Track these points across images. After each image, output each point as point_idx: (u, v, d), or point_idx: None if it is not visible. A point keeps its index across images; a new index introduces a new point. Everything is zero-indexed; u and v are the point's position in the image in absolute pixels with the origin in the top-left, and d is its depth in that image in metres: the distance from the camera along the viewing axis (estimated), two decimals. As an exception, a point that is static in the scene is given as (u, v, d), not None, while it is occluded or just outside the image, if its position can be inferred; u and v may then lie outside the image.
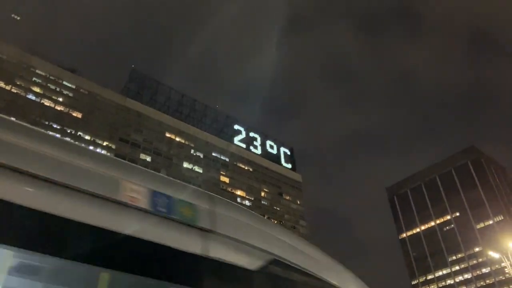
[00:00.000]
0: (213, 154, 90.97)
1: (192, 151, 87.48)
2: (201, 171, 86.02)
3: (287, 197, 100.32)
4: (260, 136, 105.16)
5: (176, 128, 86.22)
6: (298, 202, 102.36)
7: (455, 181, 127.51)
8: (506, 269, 20.48)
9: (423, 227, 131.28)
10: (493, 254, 26.16)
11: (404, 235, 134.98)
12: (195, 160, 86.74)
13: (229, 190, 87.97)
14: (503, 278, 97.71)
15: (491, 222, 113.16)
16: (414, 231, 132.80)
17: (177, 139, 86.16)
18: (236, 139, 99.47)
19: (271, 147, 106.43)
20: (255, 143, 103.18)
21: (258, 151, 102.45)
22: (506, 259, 22.18)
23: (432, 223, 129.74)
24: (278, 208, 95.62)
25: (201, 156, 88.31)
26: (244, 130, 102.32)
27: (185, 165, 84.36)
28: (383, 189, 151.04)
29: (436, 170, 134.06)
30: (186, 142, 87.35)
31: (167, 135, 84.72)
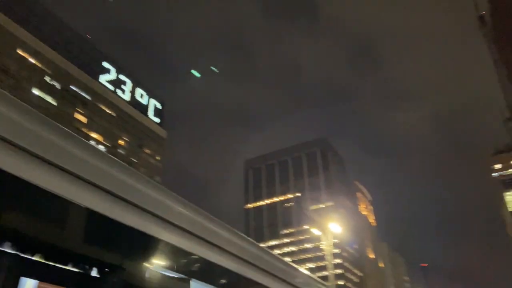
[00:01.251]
0: (73, 87, 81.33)
1: (47, 78, 76.52)
2: (55, 103, 76.20)
3: (147, 151, 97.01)
4: (131, 81, 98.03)
5: (32, 47, 73.78)
6: (158, 158, 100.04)
7: (303, 166, 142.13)
8: (321, 246, 24.04)
9: (267, 201, 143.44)
10: (316, 232, 29.12)
11: (250, 206, 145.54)
12: (49, 89, 76.20)
13: (84, 130, 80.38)
14: (320, 254, 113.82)
15: (322, 206, 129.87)
16: (259, 204, 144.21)
17: (31, 60, 74.01)
18: (104, 78, 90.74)
19: (141, 96, 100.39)
20: (124, 87, 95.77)
21: (126, 97, 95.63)
22: (323, 238, 24.89)
23: (276, 199, 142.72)
24: (135, 160, 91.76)
25: (58, 86, 78.04)
26: (115, 70, 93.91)
27: (36, 92, 73.48)
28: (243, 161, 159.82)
29: (290, 153, 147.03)
30: (42, 67, 75.80)
31: (19, 52, 72.03)
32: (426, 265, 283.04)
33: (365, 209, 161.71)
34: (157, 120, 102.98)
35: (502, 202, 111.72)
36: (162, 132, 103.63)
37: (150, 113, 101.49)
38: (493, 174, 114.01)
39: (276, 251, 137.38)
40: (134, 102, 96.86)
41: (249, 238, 5.55)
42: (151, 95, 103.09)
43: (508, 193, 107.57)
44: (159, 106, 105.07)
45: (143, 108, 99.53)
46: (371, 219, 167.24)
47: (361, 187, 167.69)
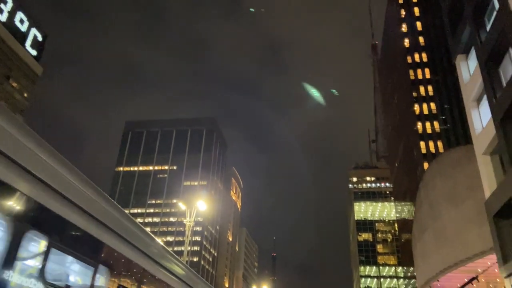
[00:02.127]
0: None
1: None
2: None
3: (14, 84, 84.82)
4: (13, 1, 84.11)
5: None
6: (25, 95, 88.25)
7: (187, 141, 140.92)
8: (184, 221, 24.54)
9: (141, 168, 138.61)
10: (182, 206, 29.03)
11: (121, 168, 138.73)
12: None
13: None
14: (182, 229, 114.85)
15: (196, 183, 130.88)
16: (132, 169, 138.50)
17: None
18: (-22, -12, 76.25)
19: (22, 21, 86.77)
20: (2, 6, 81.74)
21: (3, 17, 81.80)
22: (187, 213, 25.07)
23: (151, 167, 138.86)
24: (-4, 91, 79.53)
25: None
26: (-5, -17, 79.56)
27: None
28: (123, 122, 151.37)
29: (176, 125, 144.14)
30: None
31: None
32: (275, 254, 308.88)
33: (235, 195, 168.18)
34: (34, 52, 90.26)
35: (352, 211, 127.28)
36: (37, 68, 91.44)
37: (28, 43, 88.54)
38: (349, 186, 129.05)
39: (139, 220, 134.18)
40: (11, 26, 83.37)
41: (111, 200, 5.14)
42: (33, 23, 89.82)
43: (356, 203, 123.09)
44: (39, 37, 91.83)
45: (21, 36, 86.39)
46: (238, 205, 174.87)
47: (237, 173, 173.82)
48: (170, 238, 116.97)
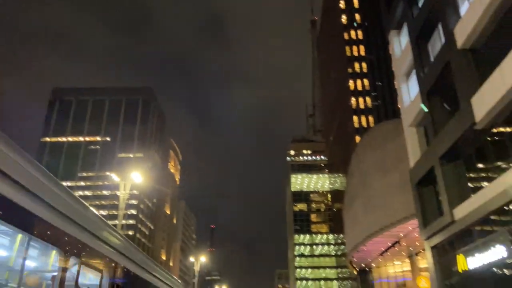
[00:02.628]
0: None
1: None
2: None
3: None
4: None
5: None
6: None
7: (121, 110, 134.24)
8: (118, 194, 23.34)
9: (70, 139, 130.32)
10: (115, 178, 27.80)
11: (48, 139, 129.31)
12: None
13: None
14: (116, 203, 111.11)
15: (131, 155, 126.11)
16: (60, 139, 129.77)
17: None
18: None
19: None
20: None
21: None
22: (121, 186, 24.00)
23: (81, 138, 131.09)
24: None
25: None
26: None
27: None
28: (50, 88, 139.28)
29: (110, 94, 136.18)
30: None
31: None
32: (214, 226, 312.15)
33: (173, 167, 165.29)
34: None
35: (288, 183, 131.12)
36: None
37: None
38: (287, 159, 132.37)
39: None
40: None
41: (39, 165, 4.42)
42: None
43: (293, 175, 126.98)
44: None
45: None
46: (177, 178, 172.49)
47: (176, 146, 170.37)
48: (103, 212, 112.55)
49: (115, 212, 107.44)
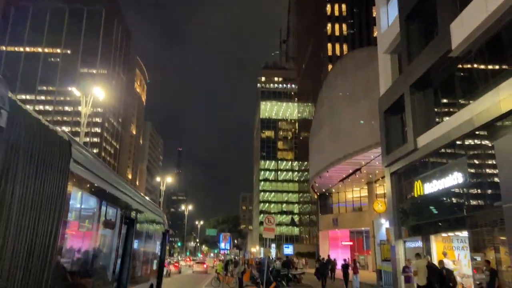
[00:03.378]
0: None
1: None
2: None
3: None
4: None
5: None
6: None
7: (82, 21, 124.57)
8: (80, 109, 21.83)
9: (28, 49, 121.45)
10: (76, 92, 26.24)
11: (3, 48, 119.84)
12: None
13: None
14: (79, 120, 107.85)
15: (94, 71, 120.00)
16: (16, 49, 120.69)
17: None
18: None
19: None
20: None
21: None
22: (82, 102, 22.66)
23: (40, 49, 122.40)
24: None
25: None
26: None
27: None
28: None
29: (71, 1, 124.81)
30: None
31: None
32: (180, 149, 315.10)
33: (139, 87, 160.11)
34: None
35: (258, 109, 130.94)
36: None
37: None
38: (258, 85, 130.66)
39: (29, 106, 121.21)
40: None
41: None
42: None
43: (263, 102, 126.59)
44: None
45: None
46: (143, 98, 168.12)
47: (142, 64, 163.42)
48: (66, 128, 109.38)
49: (78, 129, 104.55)
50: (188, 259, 78.39)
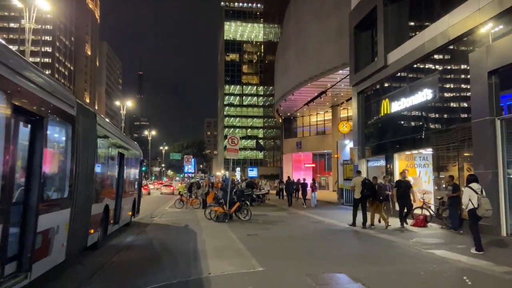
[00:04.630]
0: None
1: None
2: None
3: None
4: None
5: None
6: None
7: None
8: (24, 24, 18.84)
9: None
10: (17, 3, 23.11)
11: None
12: None
13: None
14: (26, 37, 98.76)
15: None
16: None
17: None
18: None
19: None
20: None
21: None
22: (25, 15, 19.89)
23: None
24: None
25: None
26: None
27: None
28: None
29: None
30: None
31: None
32: (141, 73, 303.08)
33: (91, 3, 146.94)
34: None
35: (222, 30, 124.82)
36: None
37: None
38: (221, 3, 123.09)
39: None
40: None
41: None
42: None
43: (227, 22, 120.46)
44: None
45: None
46: (97, 16, 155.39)
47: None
48: (13, 47, 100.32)
49: (23, 48, 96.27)
50: (156, 183, 78.83)
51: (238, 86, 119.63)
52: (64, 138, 6.54)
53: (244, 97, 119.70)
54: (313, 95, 38.18)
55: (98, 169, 8.84)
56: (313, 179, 25.58)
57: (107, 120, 11.84)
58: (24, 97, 4.80)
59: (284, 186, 27.93)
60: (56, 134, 6.30)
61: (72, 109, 6.66)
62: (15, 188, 4.76)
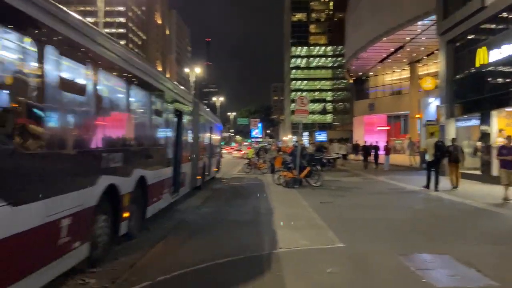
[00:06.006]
0: None
1: None
2: None
3: None
4: None
5: None
6: None
7: None
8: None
9: None
10: None
11: None
12: None
13: None
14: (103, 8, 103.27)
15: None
16: None
17: None
18: None
19: None
20: None
21: None
22: None
23: None
24: None
25: None
26: None
27: None
28: None
29: None
30: None
31: None
32: (209, 40, 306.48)
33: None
34: None
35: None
36: None
37: None
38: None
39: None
40: None
41: None
42: None
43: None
44: None
45: None
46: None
47: None
48: (90, 19, 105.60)
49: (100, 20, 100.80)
50: (228, 148, 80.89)
51: (305, 47, 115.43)
52: (187, 122, 11.22)
53: (311, 58, 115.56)
54: (388, 51, 35.08)
55: (201, 139, 13.74)
56: (387, 142, 24.29)
57: (204, 106, 16.50)
58: (176, 104, 9.71)
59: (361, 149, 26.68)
60: (185, 120, 10.81)
61: (191, 104, 12.08)
62: (172, 151, 9.20)
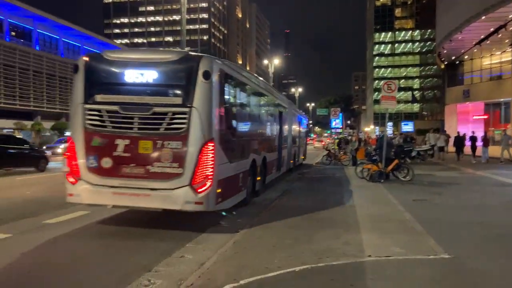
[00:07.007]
0: None
1: None
2: None
3: None
4: None
5: None
6: None
7: None
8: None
9: None
10: None
11: None
12: None
13: None
14: (188, 6, 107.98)
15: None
16: None
17: None
18: None
19: None
20: None
21: None
22: None
23: None
24: None
25: None
26: None
27: None
28: None
29: None
30: None
31: None
32: (288, 31, 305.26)
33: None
34: None
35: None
36: None
37: None
38: None
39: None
40: None
41: None
42: None
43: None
44: None
45: None
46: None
47: None
48: (176, 17, 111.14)
49: (187, 16, 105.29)
50: (308, 139, 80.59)
51: (390, 33, 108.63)
52: (284, 119, 14.07)
53: (396, 44, 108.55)
54: (487, 31, 31.34)
55: (293, 132, 16.64)
56: (485, 132, 21.89)
57: (294, 103, 20.50)
58: (280, 108, 13.67)
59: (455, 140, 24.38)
60: (283, 117, 13.83)
61: (287, 104, 15.35)
62: (277, 141, 12.88)
